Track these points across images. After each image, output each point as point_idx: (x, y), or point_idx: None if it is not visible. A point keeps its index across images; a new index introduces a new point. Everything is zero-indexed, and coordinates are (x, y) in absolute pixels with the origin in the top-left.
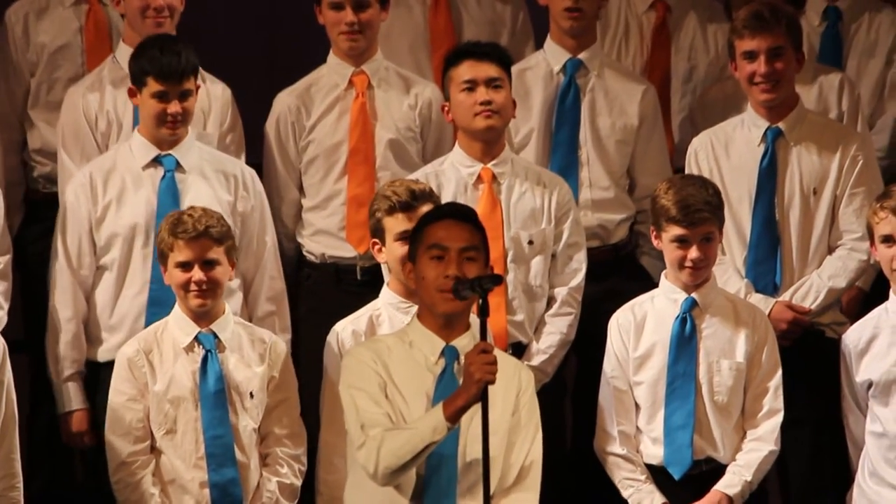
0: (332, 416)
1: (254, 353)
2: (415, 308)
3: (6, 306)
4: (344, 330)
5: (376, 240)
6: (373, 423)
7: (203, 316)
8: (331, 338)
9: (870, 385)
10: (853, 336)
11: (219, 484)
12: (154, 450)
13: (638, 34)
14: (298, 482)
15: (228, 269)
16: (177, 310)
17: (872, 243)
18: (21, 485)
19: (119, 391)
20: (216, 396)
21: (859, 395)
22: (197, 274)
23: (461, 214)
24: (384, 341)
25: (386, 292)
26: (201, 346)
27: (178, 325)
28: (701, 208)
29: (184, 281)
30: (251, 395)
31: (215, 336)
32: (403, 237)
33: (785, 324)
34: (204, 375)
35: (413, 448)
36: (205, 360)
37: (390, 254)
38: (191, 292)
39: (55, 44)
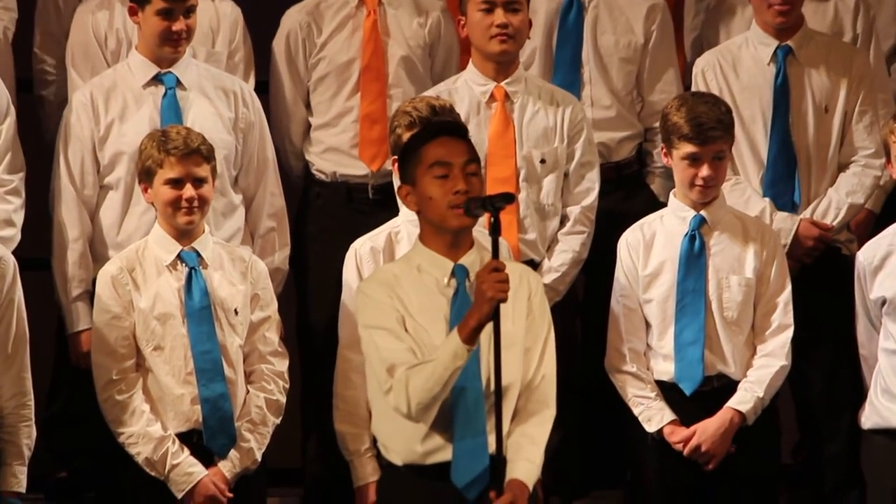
0: (349, 333)
1: (235, 271)
2: None
3: (19, 224)
4: (362, 247)
5: (397, 157)
6: (397, 362)
7: (185, 234)
8: (349, 255)
9: (883, 302)
10: (867, 253)
11: (209, 399)
12: (141, 368)
13: None
14: (283, 399)
15: (212, 188)
16: (157, 228)
17: (889, 161)
18: (32, 403)
19: (103, 310)
20: (202, 312)
21: (873, 313)
22: (189, 191)
23: (455, 130)
24: (391, 271)
25: (405, 209)
26: (184, 264)
27: (159, 244)
28: (713, 126)
29: (173, 198)
30: (235, 311)
31: (197, 254)
32: None
33: (812, 241)
34: (189, 292)
35: (439, 378)
36: (189, 277)
37: None
38: (181, 209)
39: None
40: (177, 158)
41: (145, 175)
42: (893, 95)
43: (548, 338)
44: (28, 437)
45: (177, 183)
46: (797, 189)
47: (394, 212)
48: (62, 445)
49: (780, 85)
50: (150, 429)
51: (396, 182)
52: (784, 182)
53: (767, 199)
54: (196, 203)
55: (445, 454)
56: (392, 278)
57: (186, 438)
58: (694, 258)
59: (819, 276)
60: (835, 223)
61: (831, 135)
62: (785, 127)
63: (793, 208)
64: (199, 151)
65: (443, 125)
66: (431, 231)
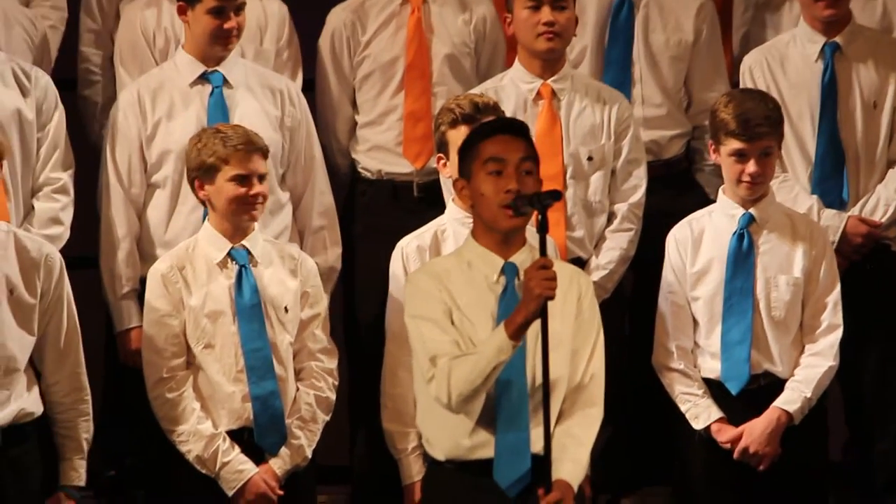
0: (397, 330)
1: (285, 269)
2: None
3: (67, 223)
4: (409, 245)
5: (441, 154)
6: (440, 353)
7: (237, 232)
8: (396, 253)
9: None
10: None
11: (260, 396)
12: (191, 366)
13: None
14: (333, 396)
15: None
16: (207, 226)
17: None
18: (89, 397)
19: (154, 308)
20: (252, 310)
21: None
22: (258, 187)
23: (514, 128)
24: (442, 264)
25: (452, 207)
26: (235, 262)
27: (210, 242)
28: (760, 122)
29: (240, 194)
30: (286, 309)
31: (248, 251)
32: None
33: (860, 238)
34: (240, 289)
35: (482, 371)
36: (239, 275)
37: (454, 167)
38: (248, 205)
39: None
40: (243, 154)
41: (204, 172)
42: None
43: (597, 340)
44: (87, 431)
45: (243, 179)
46: (846, 186)
47: (440, 210)
48: (112, 444)
49: (827, 82)
50: (200, 427)
51: (444, 179)
52: (832, 179)
53: (815, 197)
54: (260, 199)
55: (489, 450)
56: (442, 271)
57: (237, 436)
58: (742, 257)
59: (868, 273)
60: (884, 220)
61: (880, 131)
62: (833, 124)
63: (841, 206)
64: (262, 148)
65: (503, 122)
66: (483, 227)
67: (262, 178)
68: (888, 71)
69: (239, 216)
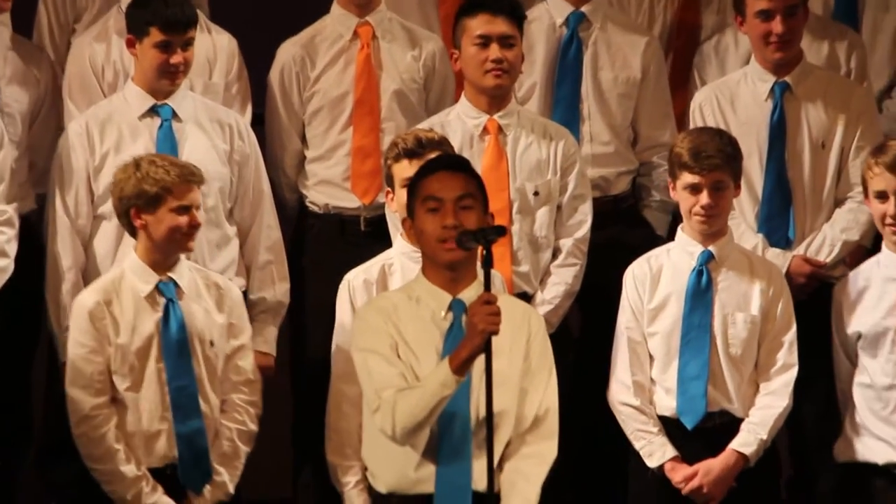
0: (342, 363)
1: (210, 300)
2: None
3: (12, 255)
4: (356, 278)
5: (389, 188)
6: (386, 385)
7: (163, 263)
8: (342, 287)
9: (859, 337)
10: (844, 288)
11: (185, 435)
12: (116, 402)
13: None
14: (256, 428)
15: None
16: (133, 258)
17: (866, 196)
18: None
19: (80, 343)
20: (179, 346)
21: (849, 347)
22: (197, 218)
23: (453, 164)
24: (390, 299)
25: (400, 242)
26: (162, 296)
27: (137, 274)
28: (712, 155)
29: (181, 225)
30: (211, 343)
31: (175, 284)
32: (409, 184)
33: (803, 277)
34: (166, 325)
35: (426, 405)
36: (167, 310)
37: (399, 202)
38: (188, 237)
39: None
40: (186, 185)
41: (145, 201)
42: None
43: (549, 380)
44: None
45: (184, 210)
46: (792, 225)
47: (386, 244)
48: (54, 474)
49: (776, 121)
50: (123, 469)
51: (389, 213)
52: (779, 217)
53: (761, 235)
54: (197, 230)
55: (432, 485)
56: (390, 306)
57: (159, 472)
58: (701, 293)
59: (813, 311)
60: (828, 259)
61: (827, 171)
62: (780, 163)
63: (787, 244)
64: (201, 179)
65: (441, 160)
66: (432, 264)
67: (197, 209)
68: (837, 111)
69: (176, 246)
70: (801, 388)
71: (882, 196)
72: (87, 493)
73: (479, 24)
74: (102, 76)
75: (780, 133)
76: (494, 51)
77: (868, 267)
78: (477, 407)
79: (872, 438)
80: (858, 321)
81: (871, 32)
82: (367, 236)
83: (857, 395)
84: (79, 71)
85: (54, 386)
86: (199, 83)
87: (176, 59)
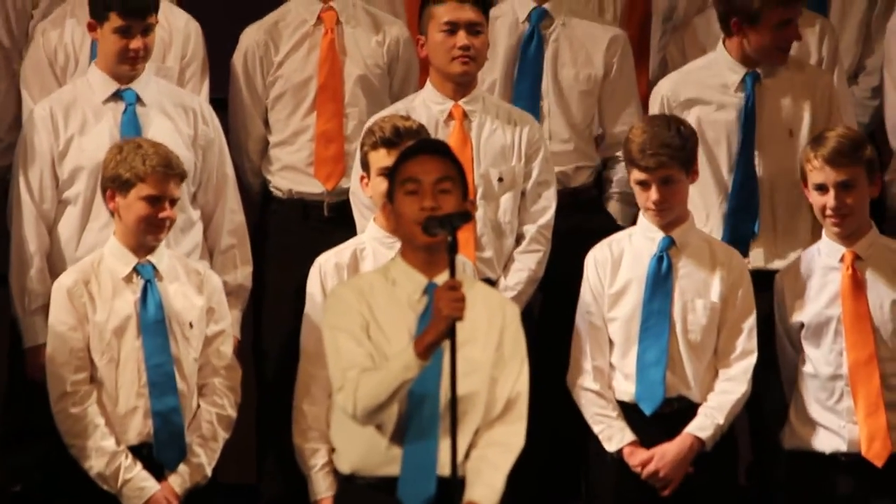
0: (312, 347)
1: (190, 284)
2: (399, 244)
3: None
4: (327, 262)
5: (364, 174)
6: (352, 365)
7: (141, 247)
8: (313, 270)
9: (801, 326)
10: (786, 277)
11: (161, 412)
12: (95, 380)
13: None
14: (235, 413)
15: None
16: (113, 240)
17: (805, 185)
18: None
19: (60, 321)
20: (157, 325)
21: (792, 336)
22: (167, 211)
23: (433, 148)
24: (367, 279)
25: (372, 227)
26: (140, 277)
27: (116, 256)
28: (656, 151)
29: (149, 214)
30: (190, 324)
31: (153, 267)
32: (385, 172)
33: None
34: (144, 304)
35: (388, 387)
36: (145, 290)
37: (374, 189)
38: (157, 228)
39: None
40: (161, 176)
41: (119, 184)
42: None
43: (521, 370)
44: None
45: (156, 200)
46: (757, 218)
47: (350, 230)
48: (17, 458)
49: (747, 112)
50: (103, 443)
51: (354, 200)
52: (745, 210)
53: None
54: (168, 224)
55: (397, 468)
56: (366, 285)
57: (137, 451)
58: (661, 279)
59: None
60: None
61: (796, 159)
62: (749, 155)
63: (752, 236)
64: (179, 173)
65: (422, 144)
66: (410, 246)
67: (173, 202)
68: (804, 99)
69: (144, 236)
70: (761, 374)
71: (821, 189)
72: (51, 477)
73: (446, 11)
74: (55, 60)
75: (750, 124)
76: (462, 38)
77: (808, 256)
78: (446, 391)
79: (818, 427)
80: (801, 311)
81: (838, 18)
82: (331, 222)
83: (802, 384)
84: (34, 58)
85: (15, 371)
86: (151, 66)
87: (135, 44)
